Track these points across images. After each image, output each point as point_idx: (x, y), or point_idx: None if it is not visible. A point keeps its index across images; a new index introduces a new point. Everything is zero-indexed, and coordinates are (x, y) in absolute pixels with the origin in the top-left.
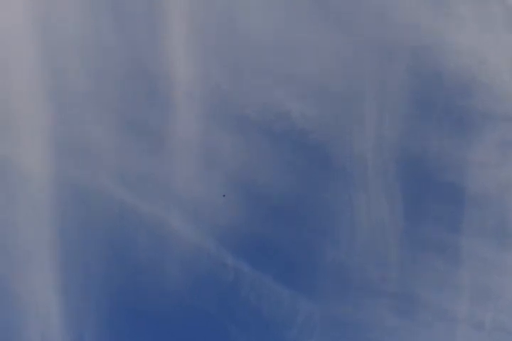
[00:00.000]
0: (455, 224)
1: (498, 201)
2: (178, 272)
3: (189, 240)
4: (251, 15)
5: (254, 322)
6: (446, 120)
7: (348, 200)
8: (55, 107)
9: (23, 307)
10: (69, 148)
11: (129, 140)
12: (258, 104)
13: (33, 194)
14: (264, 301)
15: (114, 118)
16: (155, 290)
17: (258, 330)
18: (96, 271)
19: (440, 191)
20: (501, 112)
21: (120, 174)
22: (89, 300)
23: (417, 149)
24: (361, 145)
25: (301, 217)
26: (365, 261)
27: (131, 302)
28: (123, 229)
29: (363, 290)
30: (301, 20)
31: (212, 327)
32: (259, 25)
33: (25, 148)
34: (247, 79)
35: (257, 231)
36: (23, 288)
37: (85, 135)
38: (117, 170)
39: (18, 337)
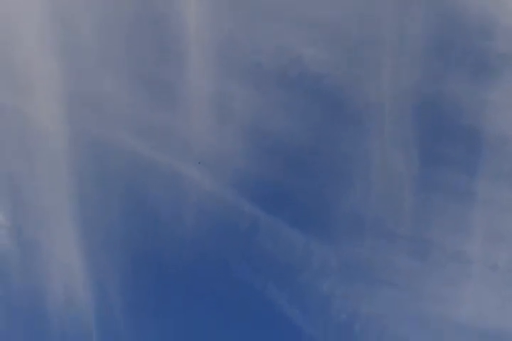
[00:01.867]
0: (471, 167)
1: None
2: (196, 221)
3: (206, 190)
4: None
5: (270, 268)
6: (465, 63)
7: (363, 145)
8: (67, 62)
9: (45, 257)
10: (82, 102)
11: (142, 92)
12: (271, 49)
13: (49, 147)
14: (280, 247)
15: (125, 70)
16: (174, 240)
17: (274, 275)
18: (114, 222)
19: (457, 135)
20: None
21: (135, 127)
22: (109, 250)
23: (434, 93)
24: (377, 91)
25: (315, 164)
26: (380, 205)
27: (150, 252)
28: (140, 181)
29: (378, 234)
30: None
31: (230, 274)
32: None
33: (39, 103)
34: (259, 24)
35: (272, 179)
36: (44, 239)
37: (98, 89)
38: (132, 123)
39: (41, 286)
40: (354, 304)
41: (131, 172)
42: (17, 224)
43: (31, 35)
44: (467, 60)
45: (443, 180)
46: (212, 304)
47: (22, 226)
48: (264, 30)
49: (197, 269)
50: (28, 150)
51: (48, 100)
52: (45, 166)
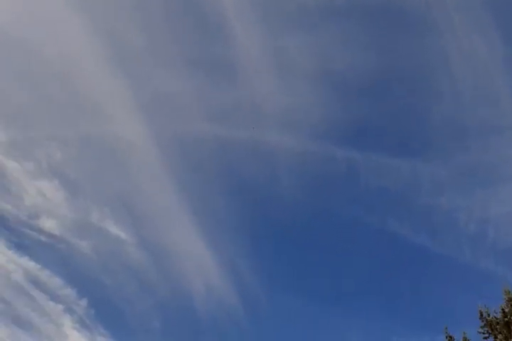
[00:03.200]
0: None
1: None
2: (292, 180)
3: (292, 148)
4: None
5: (386, 202)
6: None
7: (440, 52)
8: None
9: (178, 260)
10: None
11: (201, 75)
12: None
13: (145, 162)
14: (386, 178)
15: (179, 59)
16: (279, 202)
17: (391, 207)
18: (229, 210)
19: None
20: None
21: (205, 111)
22: (230, 235)
23: None
24: None
25: (395, 87)
26: (474, 110)
27: (260, 213)
28: (236, 163)
29: (481, 136)
30: None
31: (345, 220)
32: None
33: (125, 123)
34: None
35: (355, 116)
36: (171, 245)
37: (159, 85)
38: (202, 108)
39: (184, 288)
40: (479, 212)
41: (224, 160)
42: (142, 238)
43: (102, 70)
44: None
45: None
46: (349, 251)
47: (146, 238)
48: None
49: (309, 224)
50: (129, 169)
51: (131, 122)
52: (148, 180)
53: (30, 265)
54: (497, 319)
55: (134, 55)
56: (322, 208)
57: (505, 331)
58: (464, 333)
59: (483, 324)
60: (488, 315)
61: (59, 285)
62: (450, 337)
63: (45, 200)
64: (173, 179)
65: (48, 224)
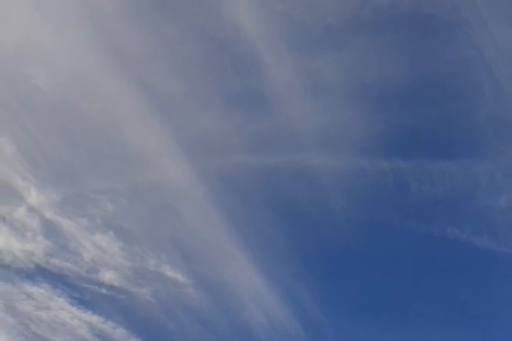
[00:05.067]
0: None
1: None
2: (341, 199)
3: (336, 167)
4: None
5: (438, 209)
6: None
7: (476, 50)
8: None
9: (239, 298)
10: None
11: (238, 110)
12: None
13: (191, 199)
14: (438, 184)
15: (216, 98)
16: (331, 223)
17: (446, 214)
18: (282, 235)
19: None
20: None
21: (245, 142)
22: (284, 260)
23: None
24: None
25: (433, 91)
26: None
27: (313, 237)
28: (273, 181)
29: None
30: None
31: (402, 233)
32: None
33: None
34: None
35: (396, 126)
36: (230, 283)
37: (199, 125)
38: (242, 140)
39: (248, 327)
40: None
41: (269, 187)
42: (199, 278)
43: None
44: None
45: None
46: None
47: (203, 277)
48: None
49: (377, 242)
50: (179, 211)
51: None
52: (197, 219)
53: (94, 319)
54: None
55: (172, 98)
56: (376, 224)
57: None
58: None
59: None
60: None
61: (124, 336)
62: None
63: (102, 253)
64: (221, 214)
65: (107, 276)
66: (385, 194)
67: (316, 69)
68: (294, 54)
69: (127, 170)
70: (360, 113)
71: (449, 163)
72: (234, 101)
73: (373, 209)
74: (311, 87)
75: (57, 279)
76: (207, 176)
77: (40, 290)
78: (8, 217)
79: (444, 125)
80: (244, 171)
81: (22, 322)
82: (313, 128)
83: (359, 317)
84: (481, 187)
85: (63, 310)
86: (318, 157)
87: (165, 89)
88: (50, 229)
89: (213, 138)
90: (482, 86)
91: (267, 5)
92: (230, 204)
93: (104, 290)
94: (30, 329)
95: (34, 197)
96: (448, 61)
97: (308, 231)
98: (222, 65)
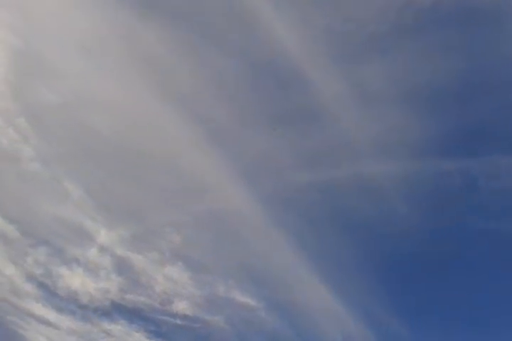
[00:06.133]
0: None
1: None
2: (406, 206)
3: (396, 173)
4: None
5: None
6: None
7: None
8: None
9: (313, 318)
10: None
11: (288, 128)
12: None
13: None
14: (507, 179)
15: (264, 118)
16: (399, 232)
17: None
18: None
19: None
20: None
21: (300, 160)
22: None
23: None
24: None
25: (488, 87)
26: None
27: (382, 249)
28: (334, 196)
29: None
30: None
31: (474, 233)
32: None
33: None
34: None
35: (454, 125)
36: (302, 303)
37: (251, 148)
38: (296, 158)
39: None
40: None
41: (330, 202)
42: (270, 301)
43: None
44: None
45: None
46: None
47: (274, 300)
48: None
49: (449, 245)
50: (243, 236)
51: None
52: (263, 243)
53: None
54: None
55: (225, 126)
56: (446, 227)
57: None
58: None
59: None
60: None
61: None
62: None
63: (173, 284)
64: (286, 234)
65: (180, 306)
66: (451, 195)
67: (363, 77)
68: (340, 65)
69: (190, 201)
70: (415, 116)
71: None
72: (285, 120)
73: (439, 211)
74: (359, 96)
75: (132, 314)
76: (267, 198)
77: (117, 327)
78: (81, 258)
79: (505, 118)
80: (304, 188)
81: None
82: (368, 137)
83: (438, 327)
84: None
85: None
86: (377, 165)
87: (217, 118)
88: (121, 266)
89: (269, 160)
90: None
91: (307, 21)
92: (293, 223)
93: (178, 321)
94: None
95: (104, 236)
96: (500, 54)
97: (376, 242)
98: (270, 86)
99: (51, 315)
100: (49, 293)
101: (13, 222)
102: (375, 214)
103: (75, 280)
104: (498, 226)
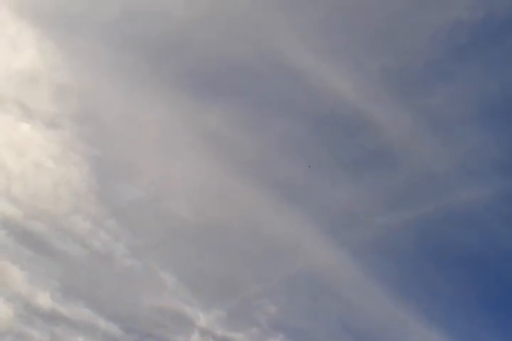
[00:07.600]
0: None
1: None
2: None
3: (492, 194)
4: None
5: None
6: None
7: None
8: None
9: None
10: None
11: (359, 172)
12: None
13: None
14: None
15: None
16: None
17: None
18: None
19: None
20: None
21: (379, 202)
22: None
23: None
24: None
25: None
26: None
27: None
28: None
29: None
30: None
31: None
32: None
33: None
34: None
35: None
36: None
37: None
38: (373, 201)
39: None
40: None
41: (419, 239)
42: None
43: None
44: None
45: None
46: None
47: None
48: None
49: None
50: (337, 291)
51: None
52: (359, 295)
53: None
54: None
55: (296, 184)
56: None
57: None
58: None
59: None
60: None
61: None
62: None
63: None
64: (385, 285)
65: None
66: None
67: (429, 106)
68: (403, 101)
69: (278, 266)
70: (492, 133)
71: None
72: (360, 166)
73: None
74: (431, 125)
75: None
76: (357, 248)
77: None
78: None
79: None
80: (393, 231)
81: None
82: (449, 164)
83: None
84: None
85: None
86: (467, 191)
87: (291, 178)
88: None
89: (351, 208)
90: None
91: (360, 65)
92: (390, 270)
93: None
94: None
95: (203, 319)
96: None
97: (483, 275)
98: (337, 136)
99: None
100: None
101: (117, 321)
102: (475, 245)
103: None
104: None
